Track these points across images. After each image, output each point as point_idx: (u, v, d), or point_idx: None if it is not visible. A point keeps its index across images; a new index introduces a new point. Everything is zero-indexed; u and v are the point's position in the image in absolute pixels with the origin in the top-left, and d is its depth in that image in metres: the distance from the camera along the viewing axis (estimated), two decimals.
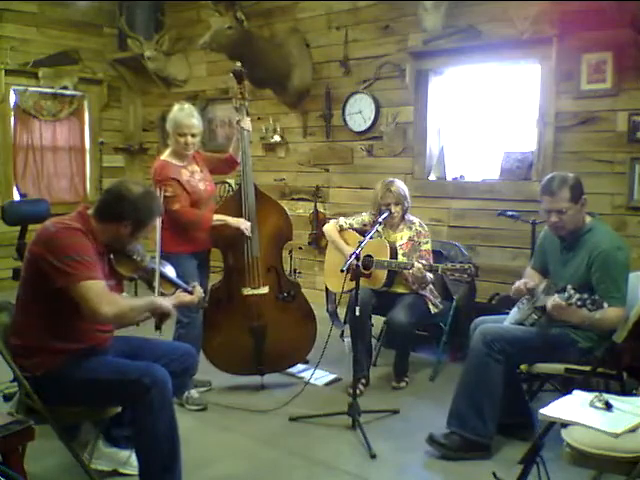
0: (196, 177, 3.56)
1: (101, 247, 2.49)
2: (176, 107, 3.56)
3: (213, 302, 3.65)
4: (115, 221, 2.47)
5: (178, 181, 3.46)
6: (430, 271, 3.59)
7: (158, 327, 2.56)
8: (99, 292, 2.30)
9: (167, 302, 2.55)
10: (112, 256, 2.56)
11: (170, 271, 2.78)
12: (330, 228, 4.02)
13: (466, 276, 3.35)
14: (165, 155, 3.56)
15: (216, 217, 3.52)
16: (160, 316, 2.54)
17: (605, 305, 2.48)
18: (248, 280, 3.63)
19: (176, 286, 2.75)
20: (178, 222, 3.45)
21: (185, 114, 3.49)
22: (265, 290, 3.66)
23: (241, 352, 3.66)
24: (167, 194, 3.39)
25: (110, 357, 2.53)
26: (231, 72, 3.76)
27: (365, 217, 3.98)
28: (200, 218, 3.51)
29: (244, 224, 3.55)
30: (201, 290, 2.82)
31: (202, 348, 3.64)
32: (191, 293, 2.74)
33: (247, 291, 3.63)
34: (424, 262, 3.62)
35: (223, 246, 3.66)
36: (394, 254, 3.77)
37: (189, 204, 3.49)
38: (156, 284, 2.60)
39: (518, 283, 3.04)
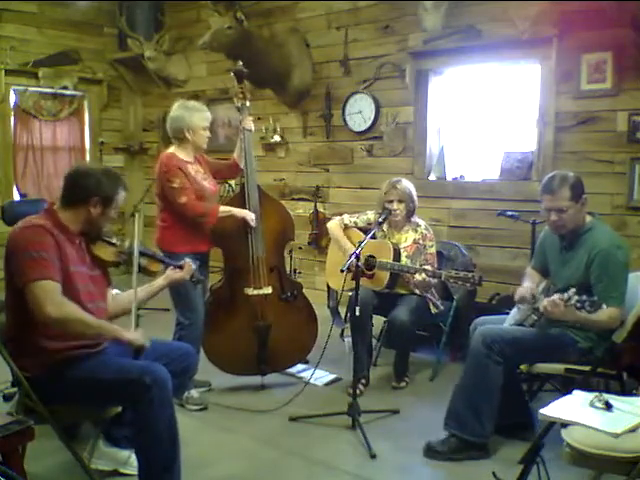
0: (200, 176, 3.56)
1: (76, 237, 2.48)
2: (189, 104, 3.55)
3: (215, 302, 3.66)
4: (83, 202, 2.46)
5: (185, 174, 3.44)
6: (433, 277, 3.58)
7: (135, 358, 2.43)
8: (47, 292, 2.25)
9: (137, 335, 2.42)
10: (91, 244, 2.54)
11: (154, 250, 2.76)
12: (334, 226, 4.01)
13: (469, 285, 3.33)
14: (172, 149, 3.54)
15: (222, 209, 3.53)
16: (134, 351, 2.42)
17: (604, 307, 2.48)
18: (252, 280, 3.63)
19: (164, 263, 2.73)
20: (184, 217, 3.44)
21: (204, 109, 3.56)
22: (269, 290, 3.67)
23: (244, 352, 3.65)
24: (174, 185, 3.38)
25: (110, 356, 2.52)
26: (232, 72, 3.76)
27: (370, 216, 3.96)
28: (208, 210, 3.48)
29: (249, 215, 3.56)
30: (191, 263, 2.79)
31: (204, 349, 3.64)
32: (181, 268, 2.73)
33: (250, 291, 3.63)
34: (428, 268, 3.61)
35: (225, 245, 3.66)
36: (397, 256, 3.75)
37: (195, 198, 3.46)
38: (135, 261, 2.54)
39: (523, 291, 3.01)
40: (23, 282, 2.28)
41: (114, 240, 2.60)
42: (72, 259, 2.42)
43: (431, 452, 2.96)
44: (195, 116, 3.49)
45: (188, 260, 2.82)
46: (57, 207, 2.49)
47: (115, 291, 2.76)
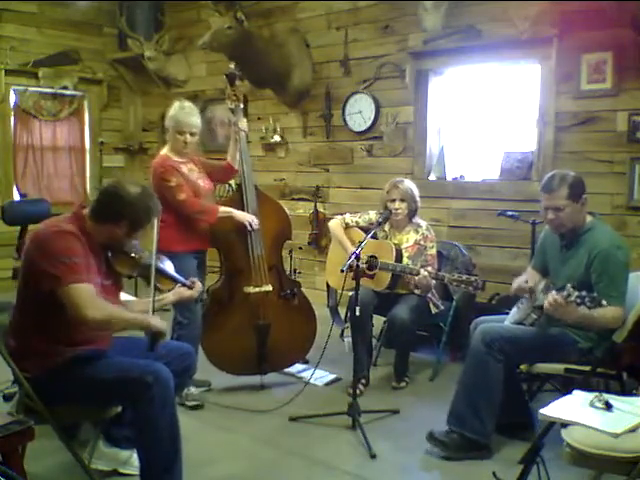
0: (194, 175, 3.57)
1: (97, 247, 2.48)
2: (177, 104, 3.54)
3: (215, 302, 3.66)
4: (112, 222, 2.45)
5: (180, 173, 3.46)
6: (435, 280, 3.57)
7: (151, 348, 2.46)
8: (86, 296, 2.27)
9: (160, 322, 2.46)
10: (110, 254, 2.55)
11: (169, 267, 2.76)
12: (335, 225, 4.01)
13: (471, 288, 3.33)
14: (164, 151, 3.57)
15: (222, 209, 3.54)
16: (153, 335, 2.45)
17: (604, 303, 2.48)
18: (252, 278, 3.63)
19: (175, 281, 2.74)
20: (181, 215, 3.44)
21: (186, 112, 3.50)
22: (269, 288, 3.67)
23: (244, 352, 3.66)
24: (172, 184, 3.39)
25: (111, 355, 2.52)
26: (225, 74, 3.77)
27: (372, 216, 3.95)
28: (207, 208, 3.50)
29: (249, 218, 3.57)
30: (200, 285, 2.82)
31: (204, 349, 3.64)
32: (190, 288, 2.74)
33: (250, 289, 3.63)
34: (430, 270, 3.61)
35: (224, 245, 3.66)
36: (399, 257, 3.75)
37: (193, 195, 3.47)
38: (152, 280, 2.56)
39: (519, 281, 3.04)
40: (54, 285, 2.27)
41: (133, 253, 2.60)
42: (92, 269, 2.43)
43: (432, 440, 2.96)
44: (178, 119, 3.47)
45: (197, 280, 2.82)
46: (86, 214, 2.48)
47: (121, 294, 2.76)
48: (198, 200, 3.48)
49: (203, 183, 3.61)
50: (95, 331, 2.45)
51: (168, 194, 3.40)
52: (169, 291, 2.71)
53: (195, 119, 3.52)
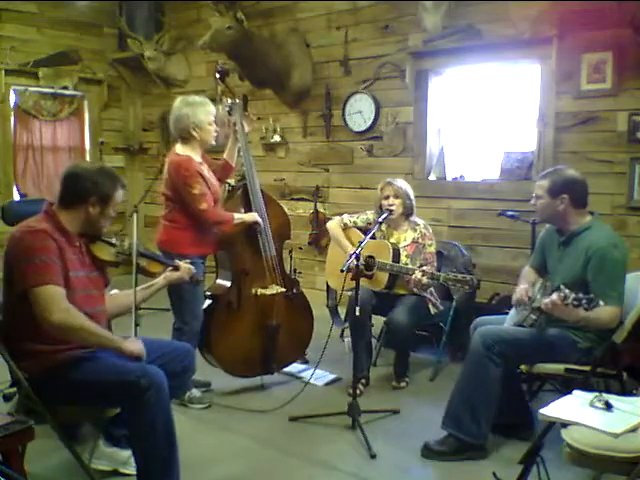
0: (212, 177, 3.55)
1: (75, 239, 2.47)
2: (192, 100, 3.45)
3: (223, 305, 3.62)
4: (81, 203, 2.45)
5: (203, 178, 3.40)
6: (431, 279, 3.57)
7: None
8: (52, 297, 2.24)
9: (136, 345, 2.42)
10: (91, 244, 2.54)
11: (154, 251, 2.77)
12: (334, 226, 4.02)
13: (467, 287, 3.34)
14: (184, 150, 3.43)
15: (237, 217, 3.51)
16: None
17: (601, 303, 2.48)
18: (264, 280, 3.63)
19: (163, 264, 2.74)
20: (198, 221, 3.41)
21: (206, 103, 3.45)
22: (281, 289, 3.67)
23: (254, 354, 3.64)
24: (195, 192, 3.33)
25: (107, 356, 2.50)
26: (216, 72, 3.74)
27: (370, 215, 3.96)
28: (224, 219, 3.47)
29: (258, 218, 3.57)
30: (189, 265, 2.81)
31: (210, 352, 3.62)
32: (177, 269, 2.74)
33: (261, 291, 3.63)
34: (426, 269, 3.60)
35: (236, 249, 3.62)
36: (396, 256, 3.75)
37: (212, 205, 3.44)
38: (134, 261, 2.55)
39: (519, 294, 3.01)
40: (27, 287, 2.26)
41: (114, 240, 2.60)
42: (72, 264, 2.41)
43: (428, 452, 2.96)
44: (199, 111, 3.40)
45: (186, 262, 2.82)
46: (55, 208, 2.47)
47: (114, 291, 2.76)
48: (216, 210, 3.44)
49: (215, 183, 3.57)
50: (59, 336, 2.33)
51: (190, 200, 3.35)
52: (160, 274, 2.71)
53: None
